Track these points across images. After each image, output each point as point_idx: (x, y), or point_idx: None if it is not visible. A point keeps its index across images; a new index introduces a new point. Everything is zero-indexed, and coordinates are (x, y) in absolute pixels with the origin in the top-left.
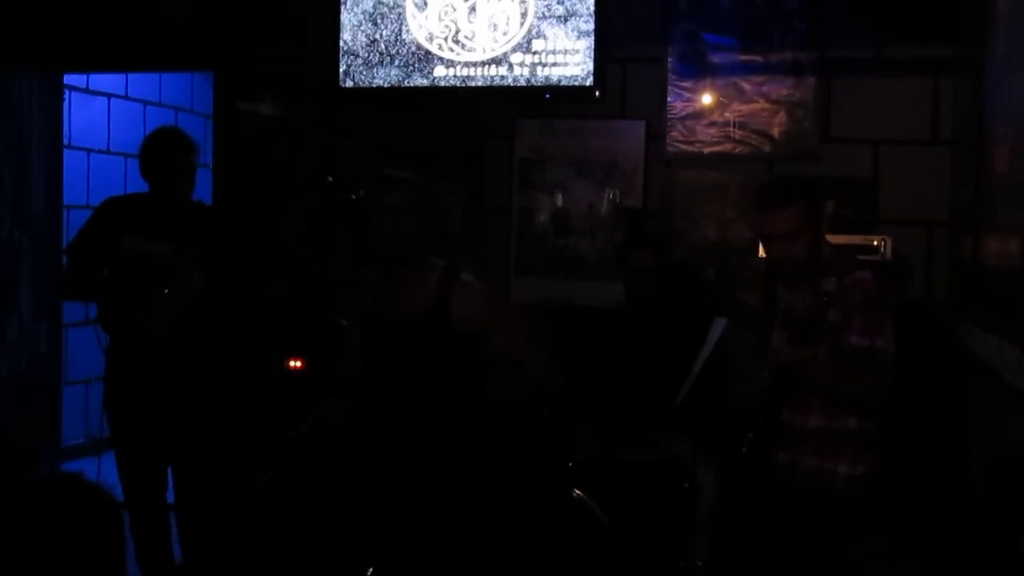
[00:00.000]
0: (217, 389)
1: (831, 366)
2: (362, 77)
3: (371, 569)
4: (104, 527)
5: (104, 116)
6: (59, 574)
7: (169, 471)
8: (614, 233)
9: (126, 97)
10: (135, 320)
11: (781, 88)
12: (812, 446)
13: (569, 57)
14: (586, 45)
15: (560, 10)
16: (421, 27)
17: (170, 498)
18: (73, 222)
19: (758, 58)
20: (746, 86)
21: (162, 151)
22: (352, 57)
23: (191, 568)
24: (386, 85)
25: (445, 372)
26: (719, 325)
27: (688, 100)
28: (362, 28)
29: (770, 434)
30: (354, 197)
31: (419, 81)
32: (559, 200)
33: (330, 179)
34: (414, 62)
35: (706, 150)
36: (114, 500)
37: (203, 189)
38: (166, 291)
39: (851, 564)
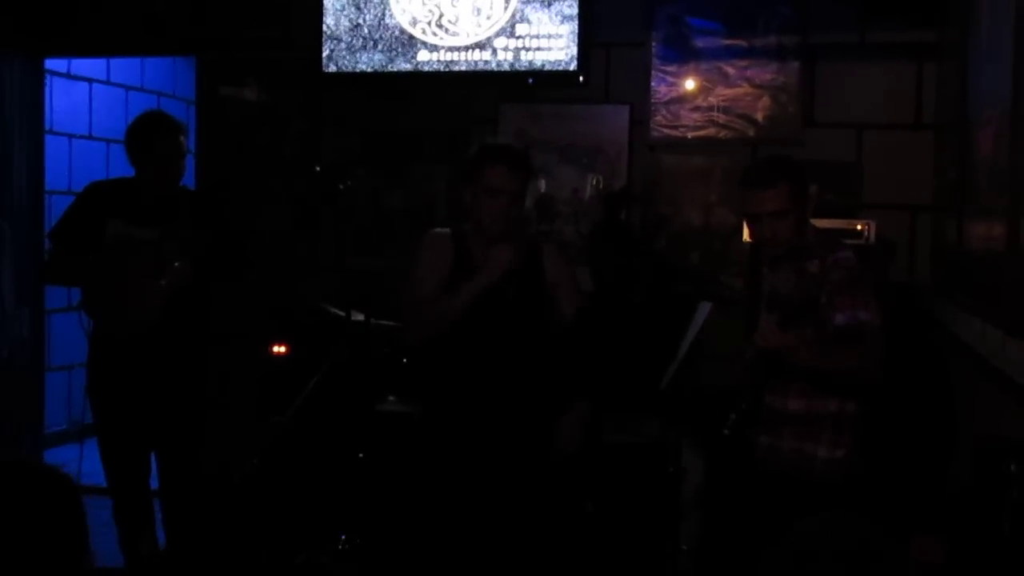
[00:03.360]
0: (201, 375)
1: (817, 347)
2: (345, 62)
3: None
4: (61, 512)
5: (86, 101)
6: (15, 559)
7: (153, 457)
8: (598, 218)
9: (108, 82)
10: (119, 306)
11: (765, 73)
12: (792, 429)
13: (553, 42)
14: (570, 30)
15: None
16: (404, 11)
17: (154, 484)
18: (55, 208)
19: (742, 42)
20: (730, 70)
21: (149, 136)
22: (335, 42)
23: (175, 554)
24: (369, 70)
25: (532, 327)
26: (704, 309)
27: (672, 85)
28: (345, 12)
29: (752, 417)
30: (341, 187)
31: (402, 66)
32: (543, 185)
33: (317, 169)
34: (397, 47)
35: (690, 135)
36: (74, 484)
37: (186, 174)
38: (151, 280)
39: (772, 559)
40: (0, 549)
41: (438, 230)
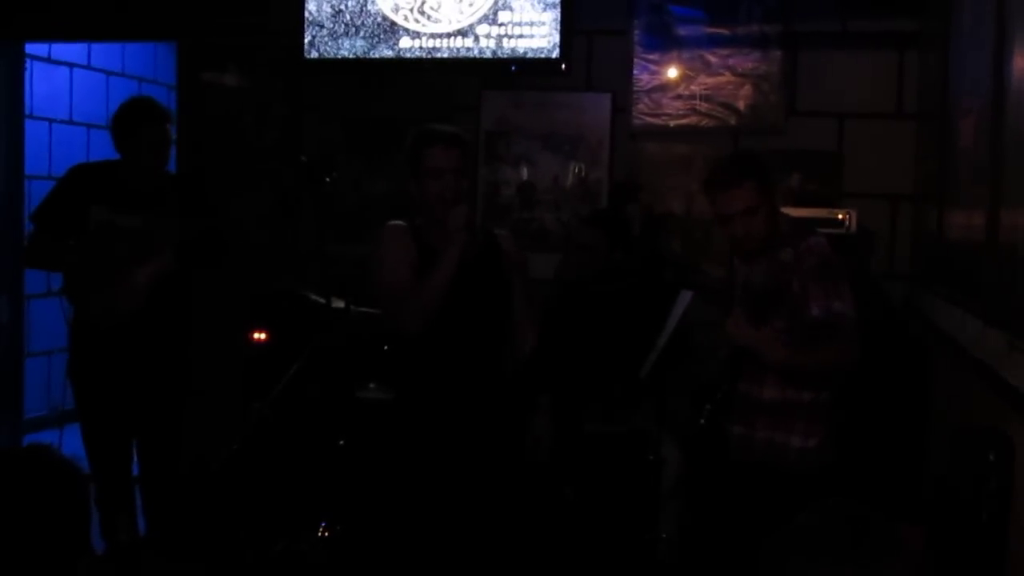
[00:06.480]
0: (182, 363)
1: (790, 339)
2: (327, 48)
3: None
4: (70, 500)
5: (66, 86)
6: (23, 545)
7: (134, 444)
8: (579, 206)
9: (88, 67)
10: (101, 296)
11: (747, 61)
12: (766, 419)
13: (535, 29)
14: (552, 17)
15: None
16: None
17: (135, 470)
18: (35, 192)
19: (724, 31)
20: (712, 59)
21: (136, 122)
22: (317, 28)
23: (154, 540)
24: (351, 56)
25: (500, 313)
26: (685, 297)
27: (654, 73)
28: None
29: (727, 407)
30: (328, 180)
31: (385, 52)
32: (524, 173)
33: (303, 159)
34: (379, 33)
35: (672, 123)
36: (82, 474)
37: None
38: (133, 268)
39: (774, 550)
40: (5, 534)
41: (396, 222)
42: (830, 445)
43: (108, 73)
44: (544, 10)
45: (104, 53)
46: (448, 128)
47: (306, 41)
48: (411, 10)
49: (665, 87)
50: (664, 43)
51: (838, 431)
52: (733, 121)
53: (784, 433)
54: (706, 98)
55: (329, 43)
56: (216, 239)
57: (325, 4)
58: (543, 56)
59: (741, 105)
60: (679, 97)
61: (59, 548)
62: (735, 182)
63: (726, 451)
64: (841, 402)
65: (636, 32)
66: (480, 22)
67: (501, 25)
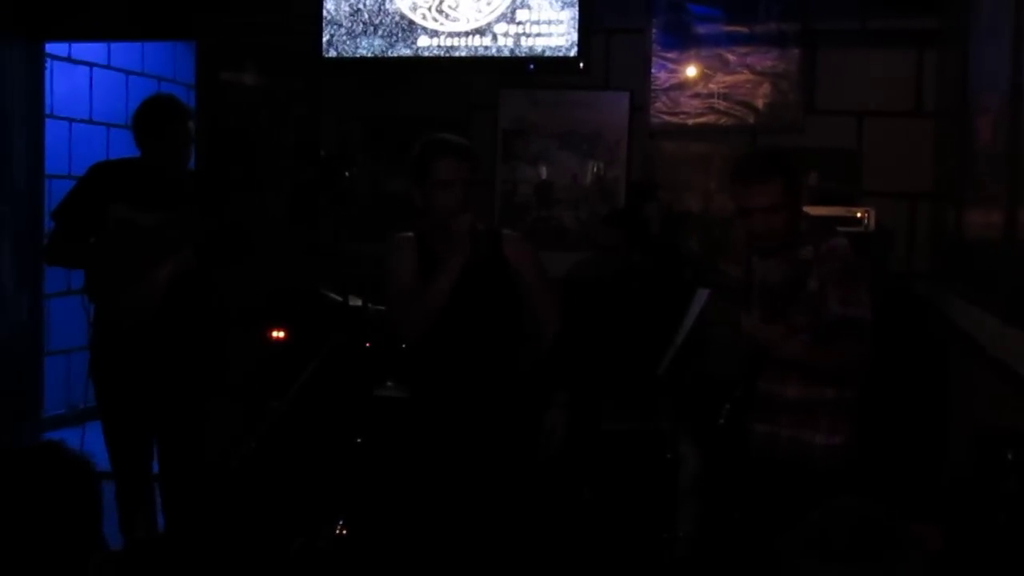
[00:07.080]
0: (203, 361)
1: (808, 338)
2: (345, 47)
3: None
4: (81, 496)
5: (86, 85)
6: (34, 541)
7: (154, 441)
8: (597, 205)
9: (108, 67)
10: (122, 294)
11: (766, 59)
12: (790, 417)
13: (553, 28)
14: (570, 16)
15: None
16: None
17: (154, 468)
18: (55, 192)
19: (743, 29)
20: (730, 57)
21: (157, 121)
22: (335, 27)
23: (173, 537)
24: (369, 55)
25: (507, 315)
26: (702, 296)
27: (672, 71)
28: None
29: (747, 405)
30: (347, 175)
31: (403, 51)
32: (542, 171)
33: (322, 154)
34: (397, 32)
35: (690, 121)
36: (93, 469)
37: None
38: (152, 267)
39: (785, 550)
40: (17, 530)
41: (402, 233)
42: (854, 442)
43: (128, 73)
44: (562, 9)
45: (124, 53)
46: (457, 139)
47: (324, 40)
48: (429, 9)
49: (683, 85)
50: (682, 41)
51: (861, 429)
52: (751, 119)
53: (809, 431)
54: (724, 96)
55: (347, 42)
56: (240, 236)
57: (343, 3)
58: (561, 55)
59: (759, 103)
60: (697, 96)
61: (70, 544)
62: (762, 178)
63: (746, 449)
64: (863, 399)
65: (654, 30)
66: (498, 21)
67: (519, 24)
